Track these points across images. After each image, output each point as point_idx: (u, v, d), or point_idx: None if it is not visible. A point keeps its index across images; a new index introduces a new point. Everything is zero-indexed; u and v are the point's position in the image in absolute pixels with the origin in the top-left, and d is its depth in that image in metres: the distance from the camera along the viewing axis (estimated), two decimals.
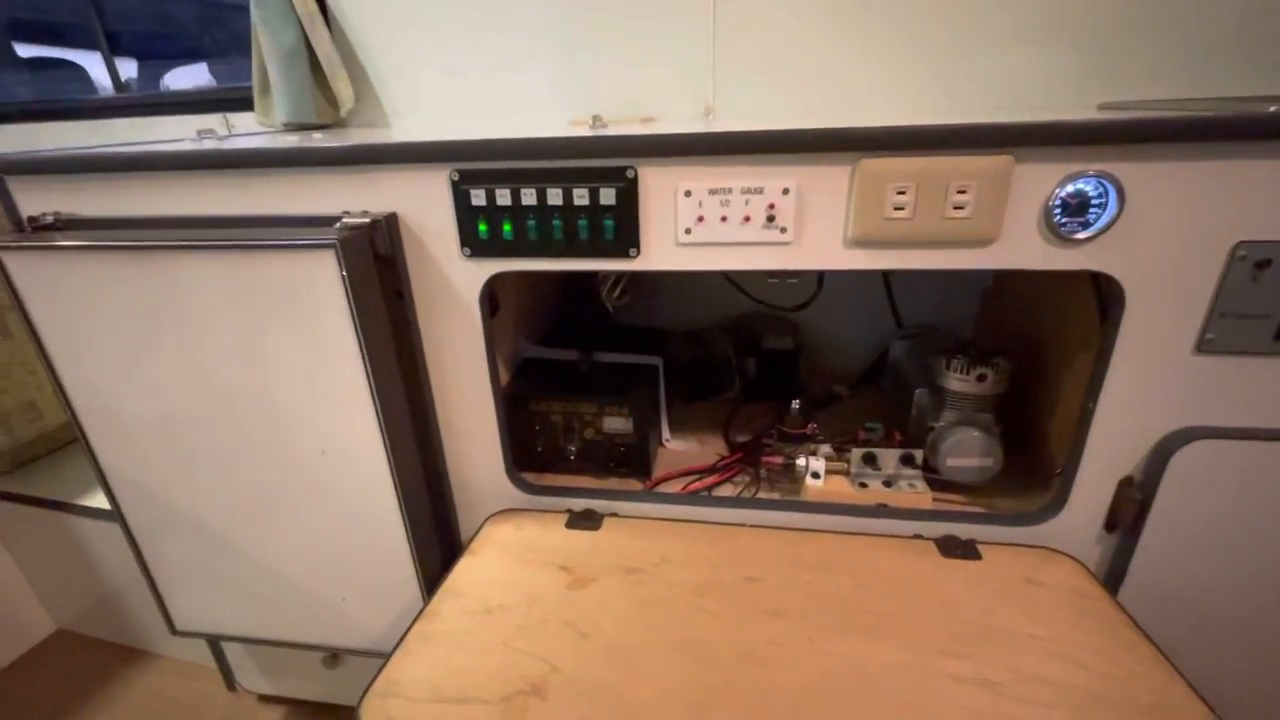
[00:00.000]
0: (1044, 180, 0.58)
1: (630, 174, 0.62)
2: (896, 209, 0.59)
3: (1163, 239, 0.59)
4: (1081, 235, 0.59)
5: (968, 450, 0.80)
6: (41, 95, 1.79)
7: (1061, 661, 0.56)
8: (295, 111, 1.16)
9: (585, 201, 0.64)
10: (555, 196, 0.64)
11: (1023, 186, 0.58)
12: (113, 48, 1.50)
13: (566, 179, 0.63)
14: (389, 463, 0.72)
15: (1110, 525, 0.71)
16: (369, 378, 0.67)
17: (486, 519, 0.80)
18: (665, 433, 0.98)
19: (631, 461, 0.88)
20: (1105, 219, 0.58)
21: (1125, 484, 0.69)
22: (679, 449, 0.97)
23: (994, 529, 0.74)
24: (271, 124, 1.20)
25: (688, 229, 0.64)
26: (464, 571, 0.71)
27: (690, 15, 1.00)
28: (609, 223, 0.64)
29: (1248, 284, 0.59)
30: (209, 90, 1.36)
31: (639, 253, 0.66)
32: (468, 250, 0.68)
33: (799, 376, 1.09)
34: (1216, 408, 0.64)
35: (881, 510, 0.77)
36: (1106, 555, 0.72)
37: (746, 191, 0.62)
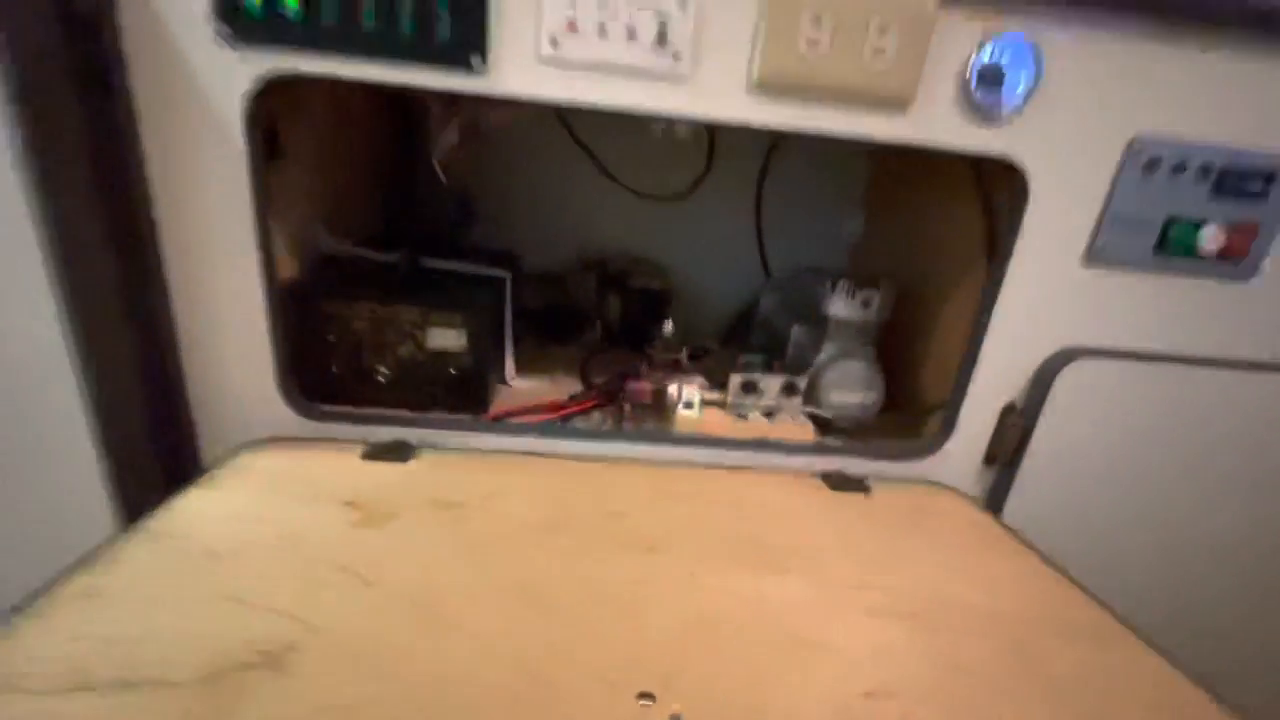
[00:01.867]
0: (965, 39, 0.51)
1: None
2: (810, 45, 0.49)
3: (1072, 123, 0.54)
4: (998, 109, 0.53)
5: (851, 382, 0.72)
6: None
7: (978, 589, 0.47)
8: None
9: None
10: None
11: (943, 42, 0.51)
12: None
13: None
14: (70, 342, 0.46)
15: (990, 458, 0.66)
16: (40, 210, 0.42)
17: (241, 447, 0.56)
18: (510, 369, 0.80)
19: (463, 390, 0.69)
20: (1021, 92, 0.53)
21: (1008, 412, 0.65)
22: (525, 388, 0.79)
23: (880, 465, 0.66)
24: None
25: (553, 39, 0.48)
26: (189, 505, 0.47)
27: None
28: (443, 10, 0.46)
29: (1136, 184, 0.57)
30: None
31: (485, 64, 0.48)
32: (227, 28, 0.46)
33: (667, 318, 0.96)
34: (1099, 327, 0.62)
35: (764, 445, 0.65)
36: (986, 487, 0.67)
37: None
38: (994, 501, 0.66)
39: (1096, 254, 0.59)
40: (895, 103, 0.52)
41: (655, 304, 0.96)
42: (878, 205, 0.97)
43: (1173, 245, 0.59)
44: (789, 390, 0.69)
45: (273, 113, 0.54)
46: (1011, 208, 0.58)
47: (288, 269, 0.62)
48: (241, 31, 0.46)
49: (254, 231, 0.53)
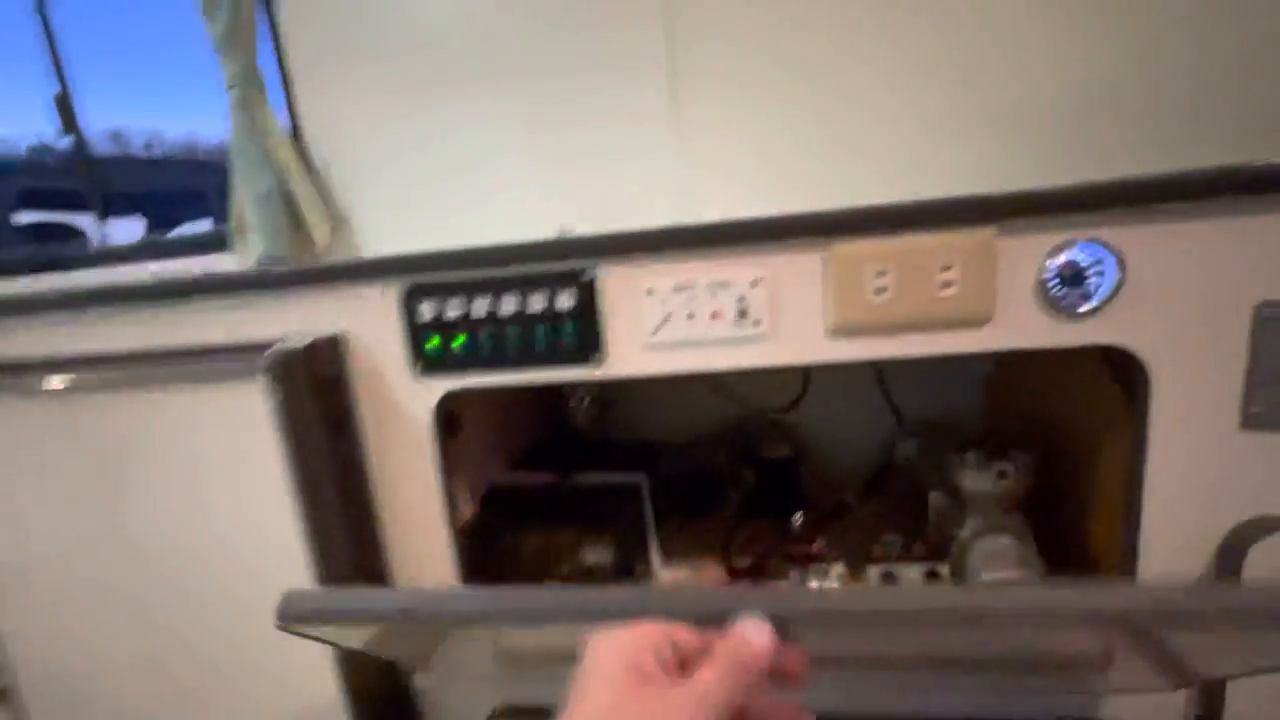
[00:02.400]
0: (1032, 252, 0.54)
1: (587, 276, 0.58)
2: (878, 292, 0.54)
3: (1176, 305, 0.53)
4: (1084, 308, 0.54)
5: (1000, 562, 0.69)
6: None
7: None
8: (270, 248, 1.16)
9: (541, 308, 0.59)
10: (509, 304, 0.59)
11: (1011, 260, 0.54)
12: (130, 212, 1.55)
13: (520, 286, 0.59)
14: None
15: None
16: (307, 527, 0.59)
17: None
18: (655, 562, 0.87)
19: None
20: (1106, 288, 0.53)
21: None
22: (671, 577, 0.86)
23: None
24: (246, 258, 1.20)
25: (654, 330, 0.59)
26: None
27: (655, 127, 1.03)
28: (569, 329, 0.59)
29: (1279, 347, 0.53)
30: (191, 236, 1.38)
31: (604, 358, 0.60)
32: (419, 367, 0.63)
33: (800, 486, 0.99)
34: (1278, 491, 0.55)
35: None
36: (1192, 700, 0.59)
37: (713, 286, 0.57)
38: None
39: (1254, 420, 0.54)
40: (974, 322, 0.55)
41: (786, 472, 0.99)
42: None
43: None
44: (932, 579, 0.68)
45: (452, 407, 0.70)
46: (1135, 385, 0.56)
47: (470, 508, 0.76)
48: (429, 367, 0.62)
49: (439, 498, 0.66)
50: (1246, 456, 0.55)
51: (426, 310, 0.60)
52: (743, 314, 0.57)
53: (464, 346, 0.61)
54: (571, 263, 0.58)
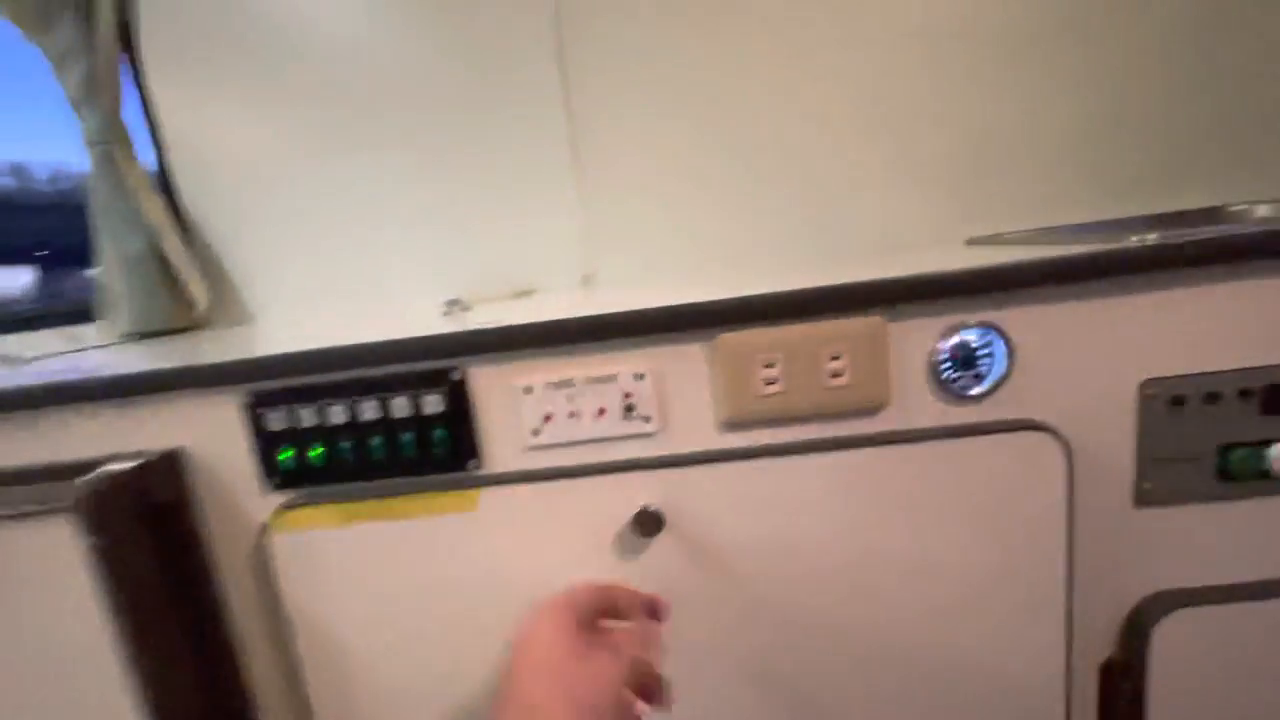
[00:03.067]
0: (923, 336, 0.52)
1: (456, 375, 0.53)
2: (768, 384, 0.51)
3: (1066, 385, 0.52)
4: (976, 390, 0.52)
5: None
6: None
7: None
8: (141, 318, 1.05)
9: (407, 413, 0.53)
10: (370, 410, 0.53)
11: (903, 345, 0.52)
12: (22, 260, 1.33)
13: (381, 389, 0.53)
14: None
15: None
16: (137, 689, 0.50)
17: None
18: None
19: None
20: (998, 370, 0.52)
21: (1107, 671, 0.57)
22: None
23: None
24: (116, 332, 1.08)
25: (534, 430, 0.53)
26: None
27: (556, 182, 0.98)
28: (439, 434, 0.53)
29: (1166, 423, 0.52)
30: (51, 307, 1.24)
31: (479, 464, 0.54)
32: (274, 482, 0.55)
33: None
34: (1178, 567, 0.55)
35: None
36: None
37: (595, 381, 0.52)
38: None
39: (1147, 496, 0.53)
40: (869, 409, 0.52)
41: None
42: None
43: (1236, 471, 0.52)
44: None
45: None
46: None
47: None
48: (285, 483, 0.55)
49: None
50: (1144, 533, 0.54)
51: (274, 420, 0.53)
52: (629, 410, 0.53)
53: (323, 458, 0.54)
54: (439, 361, 0.53)
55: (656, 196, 0.97)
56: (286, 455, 0.54)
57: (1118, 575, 0.55)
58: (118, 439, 0.54)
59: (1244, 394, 0.51)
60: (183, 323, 1.11)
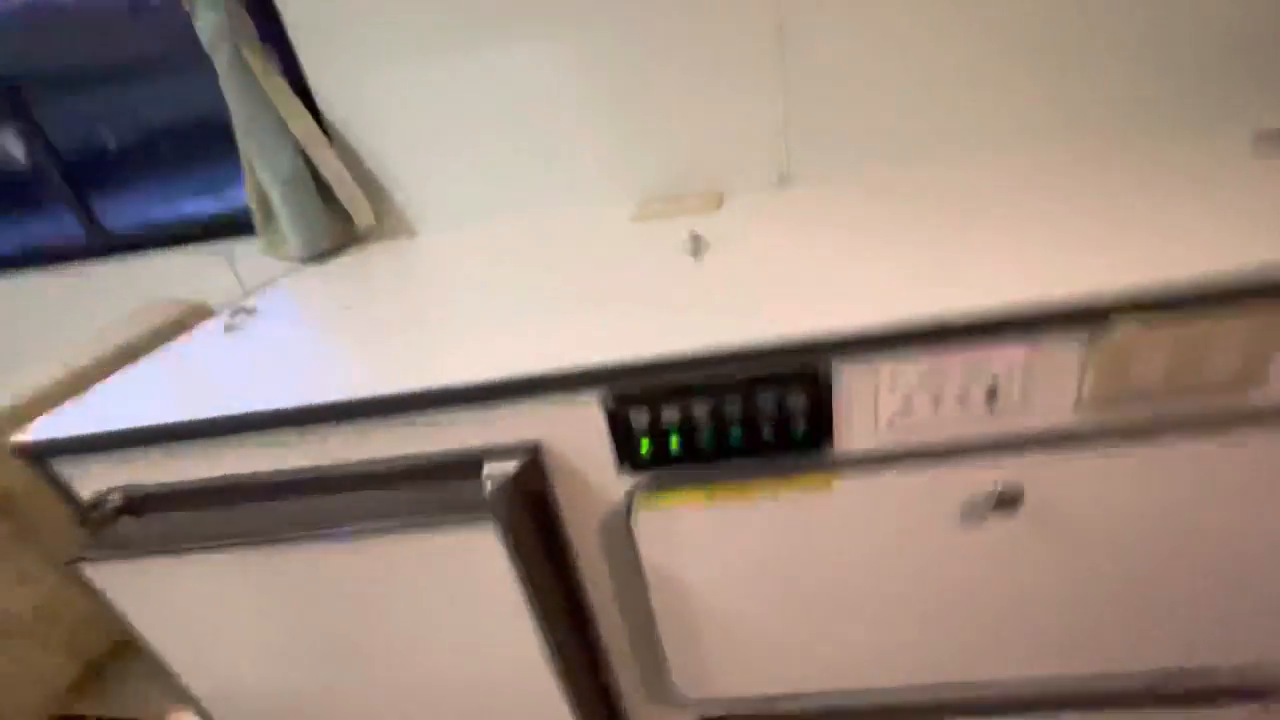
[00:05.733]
0: None
1: (817, 372, 0.53)
2: (1144, 376, 0.51)
3: None
4: None
5: None
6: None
7: None
8: (310, 244, 1.02)
9: (769, 412, 0.54)
10: (732, 408, 0.54)
11: None
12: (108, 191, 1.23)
13: (740, 388, 0.54)
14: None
15: None
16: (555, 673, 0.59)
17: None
18: None
19: None
20: None
21: None
22: None
23: None
24: (284, 257, 1.06)
25: (890, 420, 0.55)
26: None
27: (751, 68, 0.87)
28: (798, 426, 0.55)
29: None
30: (198, 219, 1.19)
31: (834, 448, 0.57)
32: (628, 466, 0.59)
33: None
34: None
35: None
36: None
37: (958, 371, 0.53)
38: None
39: None
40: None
41: None
42: None
43: None
44: None
45: None
46: None
47: None
48: (641, 470, 0.59)
49: None
50: None
51: (636, 419, 0.55)
52: (991, 395, 0.54)
53: (680, 447, 0.57)
54: (800, 358, 0.53)
55: (866, 82, 0.86)
56: (645, 444, 0.57)
57: None
58: (487, 434, 0.57)
59: None
60: (345, 239, 1.08)
